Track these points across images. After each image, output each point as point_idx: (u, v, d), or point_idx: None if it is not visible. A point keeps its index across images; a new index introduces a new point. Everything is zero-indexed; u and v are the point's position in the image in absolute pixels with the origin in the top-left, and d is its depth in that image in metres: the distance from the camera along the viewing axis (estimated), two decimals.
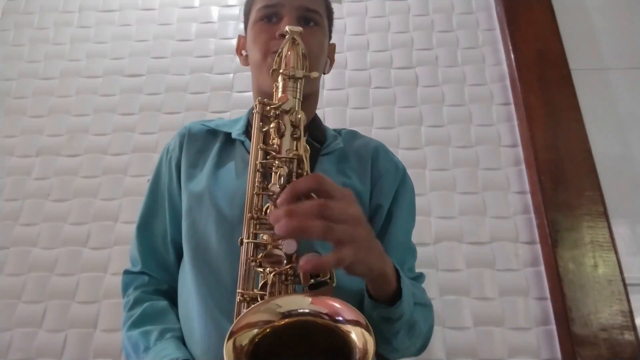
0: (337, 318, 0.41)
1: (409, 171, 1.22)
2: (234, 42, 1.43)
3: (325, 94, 1.36)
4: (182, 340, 0.66)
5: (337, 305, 0.42)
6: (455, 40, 1.41)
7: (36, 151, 1.33)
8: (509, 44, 1.33)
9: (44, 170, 1.30)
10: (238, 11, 1.50)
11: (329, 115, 1.33)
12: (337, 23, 1.46)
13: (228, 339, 0.41)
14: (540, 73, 1.29)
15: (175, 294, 0.71)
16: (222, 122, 0.83)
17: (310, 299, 0.43)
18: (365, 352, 0.38)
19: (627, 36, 1.37)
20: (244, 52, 0.82)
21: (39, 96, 1.41)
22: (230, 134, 0.77)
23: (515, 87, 1.30)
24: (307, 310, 0.42)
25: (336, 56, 1.39)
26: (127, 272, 0.77)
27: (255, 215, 0.54)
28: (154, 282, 0.74)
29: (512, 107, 1.31)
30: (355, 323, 0.41)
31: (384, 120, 1.32)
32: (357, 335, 0.40)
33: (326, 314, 0.41)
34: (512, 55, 1.32)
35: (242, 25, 0.86)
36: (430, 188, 1.23)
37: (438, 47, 1.40)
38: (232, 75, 1.40)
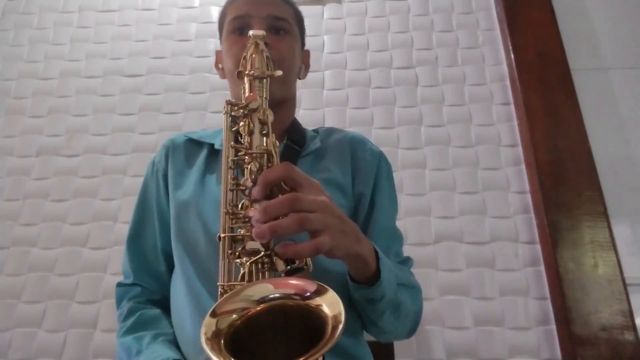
0: (305, 295, 0.42)
1: (409, 171, 1.24)
2: None
3: (325, 94, 1.36)
4: (175, 344, 0.67)
5: (299, 282, 0.43)
6: (455, 40, 1.41)
7: (36, 151, 1.33)
8: (509, 44, 1.33)
9: (43, 170, 1.30)
10: None
11: (329, 115, 1.33)
12: (337, 23, 1.47)
13: (209, 316, 0.42)
14: (540, 73, 1.29)
15: (168, 304, 0.72)
16: (205, 133, 0.85)
17: (272, 285, 0.44)
18: (337, 315, 0.39)
19: (627, 36, 1.37)
20: (220, 66, 0.85)
21: (38, 96, 1.41)
22: (213, 145, 0.79)
23: (515, 87, 1.30)
24: (277, 295, 0.43)
25: (336, 56, 1.43)
26: (120, 285, 0.78)
27: (230, 211, 0.55)
28: (147, 293, 0.75)
29: (512, 107, 1.31)
30: (321, 292, 0.42)
31: (384, 120, 1.32)
32: (327, 304, 0.41)
33: (295, 294, 0.43)
34: (512, 55, 1.32)
35: None
36: (430, 188, 1.23)
37: (438, 47, 1.40)
38: None
